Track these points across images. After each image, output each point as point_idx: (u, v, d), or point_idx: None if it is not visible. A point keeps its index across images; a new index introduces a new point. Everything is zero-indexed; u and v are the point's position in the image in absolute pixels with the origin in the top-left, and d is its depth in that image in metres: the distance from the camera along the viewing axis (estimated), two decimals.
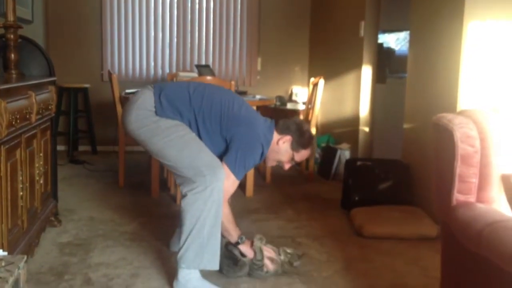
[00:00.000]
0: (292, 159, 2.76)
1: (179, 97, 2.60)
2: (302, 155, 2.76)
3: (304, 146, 2.74)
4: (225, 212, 2.57)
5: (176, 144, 2.52)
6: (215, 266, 2.50)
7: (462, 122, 1.86)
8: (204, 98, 2.61)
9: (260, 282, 2.63)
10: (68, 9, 6.14)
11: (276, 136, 2.71)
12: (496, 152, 1.85)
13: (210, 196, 2.44)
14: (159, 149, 2.56)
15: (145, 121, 2.57)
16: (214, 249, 2.49)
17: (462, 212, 1.80)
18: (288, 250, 2.76)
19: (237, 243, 2.68)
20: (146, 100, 2.59)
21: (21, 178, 2.51)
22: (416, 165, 3.89)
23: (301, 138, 2.72)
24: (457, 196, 1.85)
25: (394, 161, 4.06)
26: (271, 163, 2.80)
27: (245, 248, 2.70)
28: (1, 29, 3.17)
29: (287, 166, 2.80)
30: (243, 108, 2.68)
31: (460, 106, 3.26)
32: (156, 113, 2.56)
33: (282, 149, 2.71)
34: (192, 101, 2.59)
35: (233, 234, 2.66)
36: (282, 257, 2.72)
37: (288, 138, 2.70)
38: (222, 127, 2.59)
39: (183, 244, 2.46)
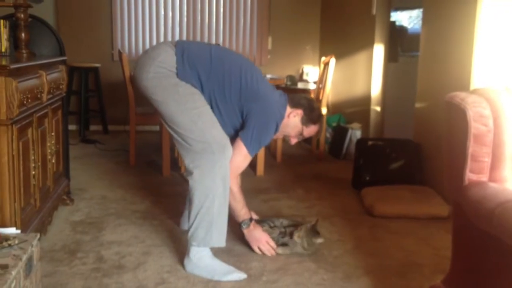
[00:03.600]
0: (301, 134, 2.75)
1: (201, 62, 2.53)
2: (311, 130, 2.76)
3: (313, 121, 2.74)
4: (234, 191, 2.57)
5: (190, 113, 2.47)
6: (223, 243, 2.52)
7: (475, 101, 1.83)
8: (225, 65, 2.56)
9: (270, 261, 2.64)
10: None
11: (287, 109, 2.70)
12: (509, 131, 1.83)
13: (219, 173, 2.44)
14: (172, 113, 2.49)
15: (164, 81, 2.49)
16: (223, 227, 2.50)
17: (474, 192, 1.79)
18: (303, 228, 2.73)
19: (241, 227, 2.68)
20: (167, 58, 2.50)
21: (33, 157, 2.53)
22: (427, 144, 3.87)
23: (312, 113, 2.72)
24: (469, 176, 1.84)
25: (406, 141, 4.03)
26: (278, 135, 2.78)
27: (248, 233, 2.69)
28: (11, 9, 3.17)
29: (293, 141, 2.79)
30: (260, 81, 2.65)
31: (473, 85, 3.22)
32: (178, 75, 2.49)
33: (292, 123, 2.71)
34: (213, 67, 2.53)
35: (239, 215, 2.66)
36: (299, 240, 2.70)
37: (299, 112, 2.70)
38: (241, 98, 2.56)
39: (193, 222, 2.47)
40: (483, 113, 1.81)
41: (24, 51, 3.14)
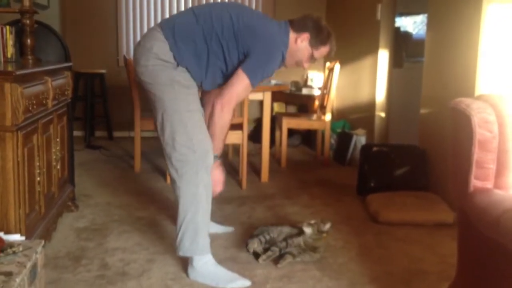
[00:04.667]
0: (312, 56, 2.66)
1: (191, 30, 2.51)
2: (322, 52, 2.67)
3: (323, 42, 2.65)
4: (226, 120, 2.52)
5: (182, 114, 2.46)
6: (208, 251, 2.51)
7: (480, 107, 1.83)
8: (213, 20, 2.53)
9: (275, 269, 2.63)
10: None
11: (293, 35, 2.62)
12: None
13: (201, 181, 2.46)
14: (165, 111, 2.48)
15: (160, 76, 2.48)
16: (206, 234, 2.51)
17: (480, 199, 1.78)
18: (312, 221, 2.75)
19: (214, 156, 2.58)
20: (160, 47, 2.47)
21: (38, 163, 2.54)
22: (432, 150, 3.86)
23: (320, 34, 2.64)
24: (475, 182, 1.83)
25: (411, 147, 4.02)
26: (290, 64, 2.69)
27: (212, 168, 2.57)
28: (17, 14, 3.19)
29: (306, 65, 2.70)
30: (255, 15, 2.62)
31: (478, 91, 3.21)
32: (175, 59, 2.47)
33: (300, 48, 2.62)
34: (203, 27, 2.51)
35: (217, 147, 2.57)
36: (308, 230, 2.70)
37: (306, 36, 2.61)
38: (239, 42, 2.52)
39: (179, 231, 2.49)
40: (488, 119, 1.80)
41: (29, 57, 3.16)
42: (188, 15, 2.59)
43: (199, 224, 2.47)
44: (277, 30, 2.61)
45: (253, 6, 6.46)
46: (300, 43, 2.61)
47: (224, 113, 2.51)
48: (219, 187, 2.65)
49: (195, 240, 2.47)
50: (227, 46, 2.52)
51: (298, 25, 2.63)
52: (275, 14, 6.52)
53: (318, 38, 2.62)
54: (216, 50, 2.53)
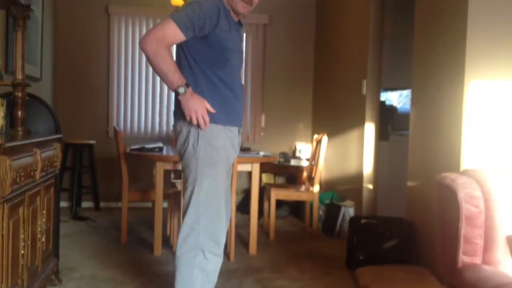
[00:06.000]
0: None
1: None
2: None
3: None
4: (161, 52, 2.40)
5: (207, 202, 2.56)
6: None
7: (465, 182, 1.86)
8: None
9: None
10: (77, 66, 6.27)
11: None
12: (500, 213, 1.84)
13: (199, 264, 2.50)
14: (195, 187, 2.56)
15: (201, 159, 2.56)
16: None
17: (468, 274, 1.77)
18: None
19: (176, 93, 2.49)
20: None
21: (23, 236, 2.50)
22: (421, 223, 3.85)
23: None
24: (463, 258, 1.83)
25: (399, 219, 4.02)
26: (241, 7, 2.60)
27: (184, 101, 2.46)
28: (10, 87, 3.24)
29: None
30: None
31: (463, 165, 3.26)
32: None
33: None
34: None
35: (172, 80, 2.45)
36: None
37: None
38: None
39: None
40: (473, 194, 1.83)
41: (19, 128, 3.18)
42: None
43: None
44: None
45: (243, 78, 6.61)
46: None
47: (153, 45, 2.40)
48: (205, 116, 2.50)
49: None
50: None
51: None
52: (263, 90, 6.68)
53: None
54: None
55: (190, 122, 2.50)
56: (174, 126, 2.70)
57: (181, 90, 2.45)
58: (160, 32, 2.42)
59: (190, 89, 2.47)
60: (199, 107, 2.46)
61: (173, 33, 2.44)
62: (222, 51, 2.56)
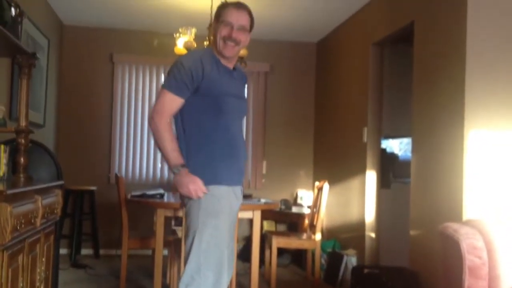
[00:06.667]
0: (224, 24, 2.61)
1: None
2: (226, 14, 2.63)
3: (221, 8, 2.67)
4: (160, 129, 2.54)
5: (211, 254, 2.54)
6: None
7: (468, 233, 1.85)
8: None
9: None
10: (80, 113, 6.33)
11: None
12: (504, 264, 1.82)
13: None
14: (195, 233, 2.55)
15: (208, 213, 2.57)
16: None
17: None
18: None
19: (173, 172, 2.57)
20: None
21: (21, 284, 2.46)
22: (424, 272, 3.80)
23: (217, 9, 2.68)
24: None
25: (402, 269, 3.97)
26: (225, 50, 2.62)
27: (179, 179, 2.53)
28: (13, 133, 3.26)
29: (234, 34, 2.60)
30: None
31: (465, 214, 3.25)
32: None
33: (215, 32, 2.66)
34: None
35: (169, 158, 2.56)
36: None
37: (213, 23, 2.71)
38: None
39: None
40: (476, 245, 1.81)
41: (21, 175, 3.18)
42: None
43: None
44: (191, 51, 2.79)
45: (244, 126, 6.65)
46: (213, 30, 2.69)
47: (155, 122, 2.55)
48: (199, 190, 2.54)
49: None
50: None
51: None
52: (264, 137, 6.72)
53: (216, 12, 2.68)
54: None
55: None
56: None
57: (176, 170, 2.56)
58: (158, 106, 2.58)
59: (185, 170, 2.55)
60: (191, 183, 2.53)
61: (170, 101, 2.58)
62: (214, 99, 2.60)
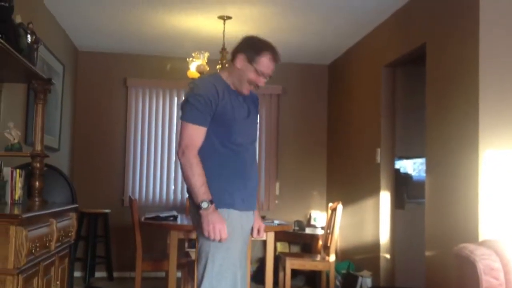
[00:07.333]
0: (257, 72, 2.61)
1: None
2: (263, 62, 2.61)
3: (258, 53, 2.61)
4: (192, 162, 2.52)
5: (221, 273, 2.54)
6: None
7: (484, 254, 1.83)
8: None
9: None
10: (94, 137, 6.39)
11: (232, 64, 2.67)
12: None
13: None
14: (208, 257, 2.56)
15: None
16: None
17: None
18: None
19: (199, 207, 2.51)
20: None
21: None
22: None
23: (252, 47, 2.62)
24: None
25: None
26: (245, 88, 2.66)
27: (205, 215, 2.49)
28: (28, 157, 3.30)
29: (260, 82, 2.65)
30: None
31: (481, 234, 3.20)
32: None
33: (242, 69, 2.62)
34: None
35: (198, 193, 2.52)
36: None
37: (241, 56, 2.62)
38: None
39: None
40: (493, 266, 1.79)
41: (37, 199, 3.20)
42: None
43: None
44: (201, 78, 2.73)
45: (257, 147, 6.64)
46: (239, 65, 2.63)
47: (186, 156, 2.53)
48: (222, 232, 2.51)
49: None
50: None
51: (232, 53, 2.69)
52: (277, 158, 6.72)
53: (253, 50, 2.61)
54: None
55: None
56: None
57: (204, 205, 2.51)
58: (187, 140, 2.55)
59: (213, 206, 2.53)
60: (218, 222, 2.51)
61: (196, 133, 2.56)
62: (225, 125, 2.62)
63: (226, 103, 2.61)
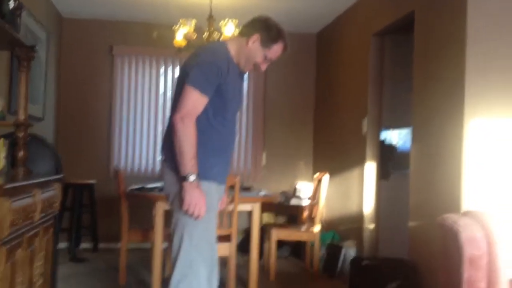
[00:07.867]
0: (266, 57, 2.62)
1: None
2: (275, 51, 2.62)
3: (274, 40, 2.60)
4: (189, 131, 2.43)
5: (200, 248, 2.52)
6: None
7: (467, 224, 1.85)
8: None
9: None
10: (79, 106, 6.32)
11: (243, 40, 2.61)
12: (503, 255, 1.82)
13: None
14: (184, 232, 2.51)
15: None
16: None
17: None
18: None
19: (184, 178, 2.44)
20: None
21: (20, 279, 2.46)
22: (423, 264, 3.81)
23: (270, 32, 2.59)
24: None
25: (401, 260, 3.97)
26: (247, 68, 2.66)
27: (189, 188, 2.43)
28: (12, 126, 3.25)
29: (263, 67, 2.66)
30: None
31: (464, 204, 3.24)
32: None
33: (253, 50, 2.59)
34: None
35: (186, 164, 2.43)
36: None
37: (256, 36, 2.58)
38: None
39: None
40: (476, 236, 1.81)
41: (21, 169, 3.17)
42: None
43: None
44: (209, 46, 2.71)
45: (244, 117, 6.63)
46: (251, 45, 2.59)
47: (185, 124, 2.44)
48: (202, 210, 2.47)
49: None
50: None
51: (246, 29, 2.64)
52: (264, 128, 6.71)
53: (269, 37, 2.59)
54: None
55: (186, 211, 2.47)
56: (163, 161, 2.66)
57: (191, 178, 2.44)
58: (189, 107, 2.45)
59: (198, 181, 2.47)
60: (199, 201, 2.45)
61: (200, 102, 2.48)
62: (222, 99, 2.56)
63: (230, 79, 2.56)
